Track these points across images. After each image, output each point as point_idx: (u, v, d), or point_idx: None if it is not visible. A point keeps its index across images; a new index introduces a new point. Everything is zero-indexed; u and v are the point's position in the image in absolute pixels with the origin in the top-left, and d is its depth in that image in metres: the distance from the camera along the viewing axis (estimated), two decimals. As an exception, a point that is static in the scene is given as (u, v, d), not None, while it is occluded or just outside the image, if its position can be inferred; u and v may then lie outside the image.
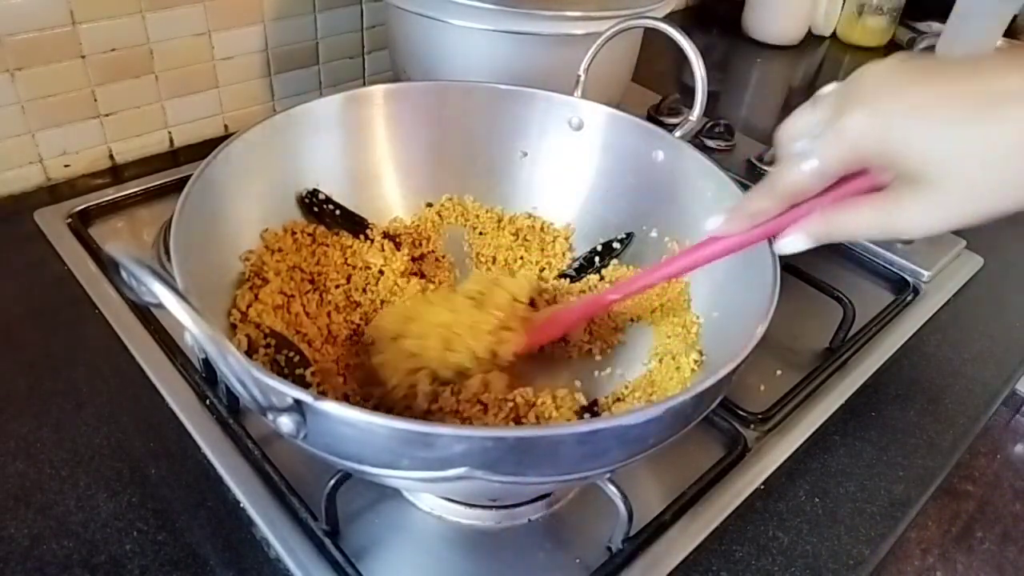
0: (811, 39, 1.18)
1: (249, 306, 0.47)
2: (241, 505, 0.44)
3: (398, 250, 0.55)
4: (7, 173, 0.66)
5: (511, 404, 0.45)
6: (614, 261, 0.57)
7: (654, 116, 0.86)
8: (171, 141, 0.75)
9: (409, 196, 0.59)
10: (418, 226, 0.59)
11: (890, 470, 0.51)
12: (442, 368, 0.45)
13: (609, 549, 0.44)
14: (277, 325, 0.46)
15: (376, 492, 0.46)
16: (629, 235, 0.57)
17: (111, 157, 0.72)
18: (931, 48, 1.15)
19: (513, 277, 0.53)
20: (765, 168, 0.79)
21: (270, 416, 0.32)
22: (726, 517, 0.47)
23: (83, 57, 0.65)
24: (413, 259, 0.56)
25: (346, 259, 0.54)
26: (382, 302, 0.53)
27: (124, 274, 0.29)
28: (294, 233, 0.52)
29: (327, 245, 0.53)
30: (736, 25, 1.17)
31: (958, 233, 0.74)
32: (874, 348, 0.61)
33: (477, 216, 0.60)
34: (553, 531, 0.46)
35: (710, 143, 0.82)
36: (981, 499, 1.59)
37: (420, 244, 0.58)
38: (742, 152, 0.82)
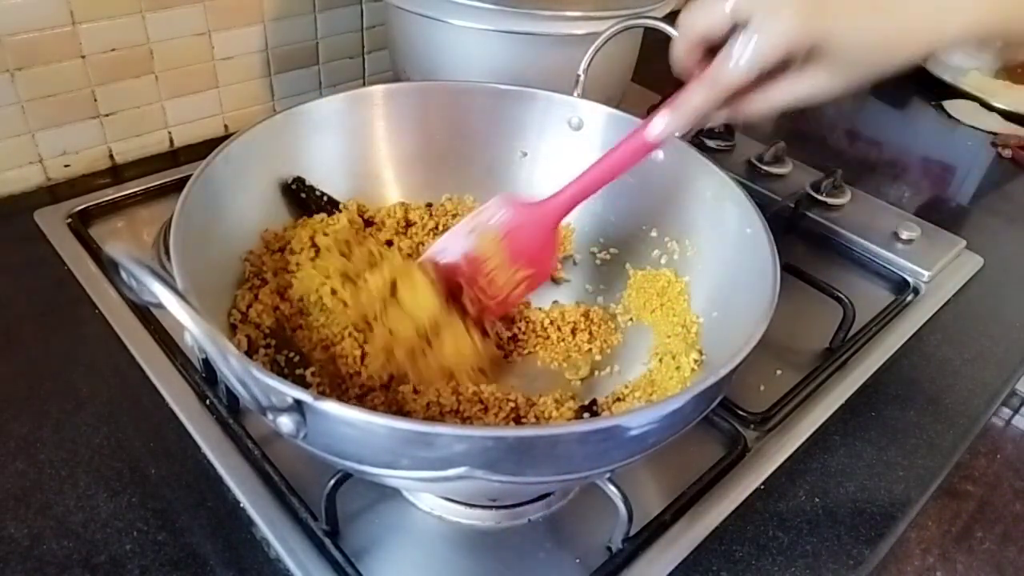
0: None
1: (249, 306, 0.47)
2: (241, 505, 0.44)
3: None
4: (7, 173, 0.66)
5: (512, 404, 0.45)
6: None
7: (654, 116, 0.86)
8: (171, 141, 0.75)
9: (409, 196, 0.59)
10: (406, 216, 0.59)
11: (890, 470, 0.51)
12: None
13: (609, 549, 0.44)
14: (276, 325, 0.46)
15: (376, 492, 0.46)
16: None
17: (111, 157, 0.72)
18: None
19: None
20: (765, 168, 0.79)
21: (270, 416, 0.32)
22: (726, 517, 0.47)
23: (83, 57, 0.65)
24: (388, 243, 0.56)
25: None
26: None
27: (124, 274, 0.29)
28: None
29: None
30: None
31: (958, 233, 0.74)
32: (874, 348, 0.61)
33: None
34: (553, 531, 0.46)
35: (710, 143, 0.82)
36: (981, 499, 1.59)
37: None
38: (742, 152, 0.82)
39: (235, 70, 0.75)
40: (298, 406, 0.31)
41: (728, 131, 0.83)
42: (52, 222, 0.64)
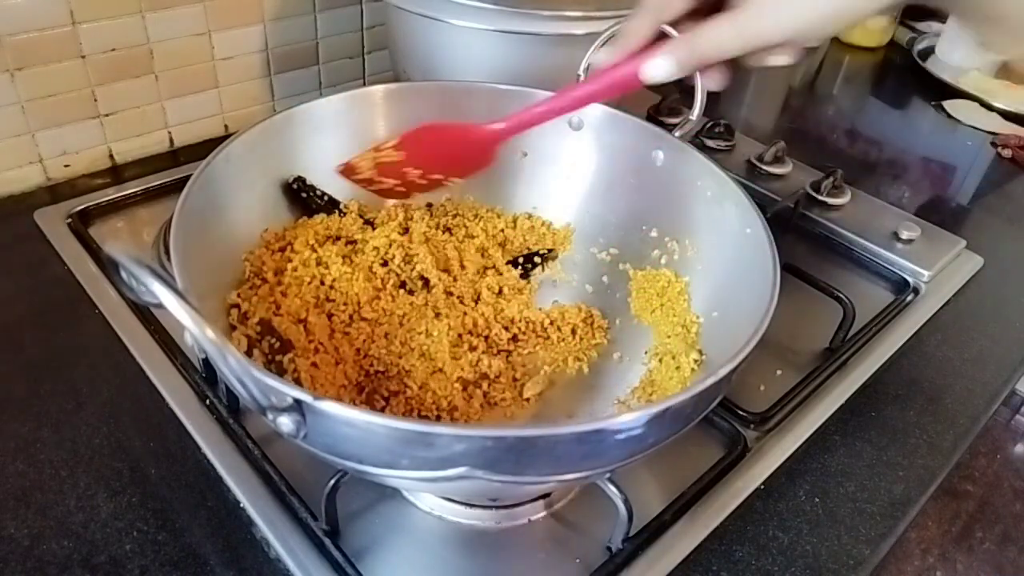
0: (811, 39, 1.18)
1: (249, 306, 0.47)
2: (241, 505, 0.44)
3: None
4: (7, 173, 0.66)
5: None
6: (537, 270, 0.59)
7: (654, 116, 0.86)
8: (171, 141, 0.75)
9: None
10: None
11: (890, 470, 0.51)
12: None
13: (609, 549, 0.44)
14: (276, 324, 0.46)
15: (376, 492, 0.46)
16: (550, 250, 0.59)
17: (111, 157, 0.72)
18: (931, 48, 1.16)
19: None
20: (765, 168, 0.79)
21: (270, 416, 0.32)
22: (726, 517, 0.47)
23: (83, 57, 0.65)
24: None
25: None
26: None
27: (124, 274, 0.29)
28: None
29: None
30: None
31: (958, 233, 0.74)
32: (874, 348, 0.61)
33: (476, 215, 0.60)
34: (553, 531, 0.46)
35: (710, 143, 0.82)
36: (981, 499, 1.59)
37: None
38: (742, 152, 0.82)
39: (235, 70, 0.75)
40: (298, 406, 0.31)
41: (728, 131, 0.83)
42: (52, 222, 0.64)
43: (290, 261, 0.51)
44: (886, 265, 0.70)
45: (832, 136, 0.96)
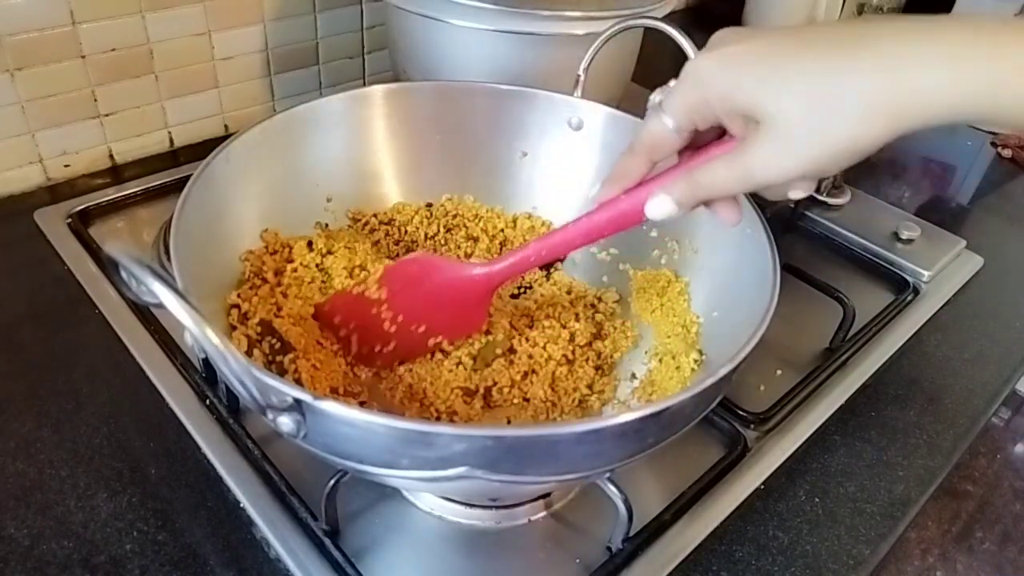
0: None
1: (249, 306, 0.46)
2: (241, 505, 0.44)
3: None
4: (7, 173, 0.66)
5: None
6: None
7: (654, 116, 0.85)
8: (171, 141, 0.75)
9: (409, 196, 0.59)
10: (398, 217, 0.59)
11: (890, 470, 0.51)
12: None
13: (609, 549, 0.44)
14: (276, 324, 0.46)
15: (376, 492, 0.46)
16: None
17: (111, 157, 0.72)
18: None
19: None
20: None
21: (270, 416, 0.32)
22: (726, 517, 0.47)
23: (83, 57, 0.65)
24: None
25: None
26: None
27: (124, 274, 0.29)
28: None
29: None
30: (736, 25, 1.16)
31: (958, 233, 0.74)
32: (874, 348, 0.61)
33: (476, 215, 0.60)
34: (553, 531, 0.46)
35: (710, 143, 0.82)
36: (981, 499, 1.59)
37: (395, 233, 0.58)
38: (742, 152, 0.82)
39: (235, 70, 0.75)
40: (298, 405, 0.31)
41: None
42: (52, 222, 0.64)
43: (290, 262, 0.51)
44: (886, 265, 0.70)
45: (832, 136, 0.96)
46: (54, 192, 0.69)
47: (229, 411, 0.49)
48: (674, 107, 0.34)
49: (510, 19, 0.63)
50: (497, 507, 0.45)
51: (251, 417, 0.48)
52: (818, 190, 0.75)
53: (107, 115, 0.70)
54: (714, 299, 0.49)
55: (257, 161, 0.50)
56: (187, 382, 0.51)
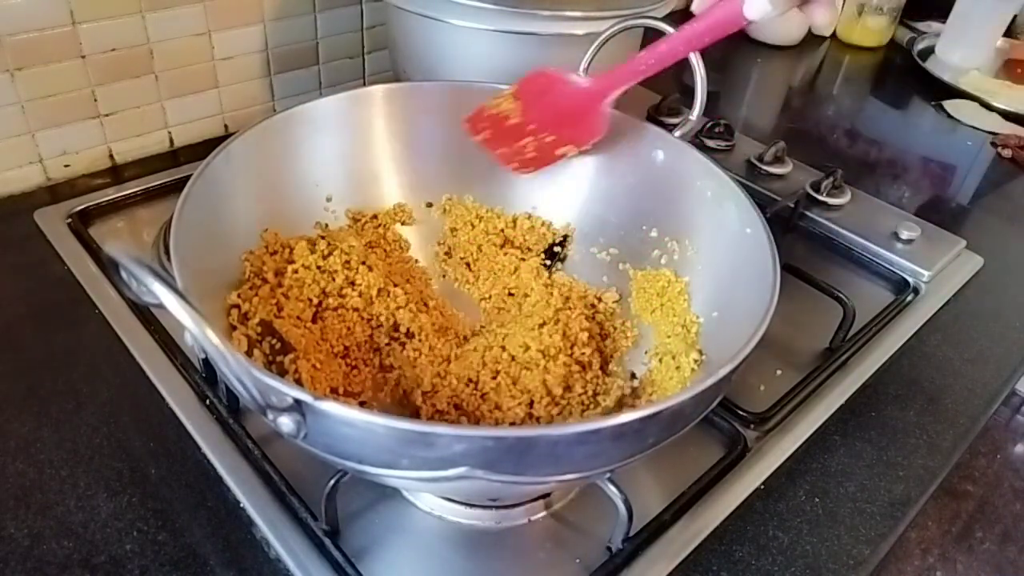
0: (811, 39, 1.18)
1: (249, 306, 0.46)
2: (241, 505, 0.44)
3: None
4: (7, 173, 0.66)
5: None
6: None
7: (654, 116, 0.86)
8: (171, 141, 0.75)
9: (409, 196, 0.59)
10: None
11: (890, 470, 0.51)
12: None
13: (609, 549, 0.44)
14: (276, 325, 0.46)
15: (376, 492, 0.46)
16: (565, 236, 0.59)
17: (111, 157, 0.72)
18: (931, 48, 1.16)
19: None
20: (765, 168, 0.79)
21: (270, 416, 0.32)
22: (726, 517, 0.47)
23: (83, 57, 0.65)
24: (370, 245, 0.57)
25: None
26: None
27: (124, 274, 0.29)
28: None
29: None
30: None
31: (958, 233, 0.74)
32: (874, 348, 0.61)
33: (477, 216, 0.60)
34: (553, 531, 0.46)
35: (710, 143, 0.82)
36: (981, 499, 1.59)
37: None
38: (742, 152, 0.82)
39: (235, 70, 0.75)
40: (298, 406, 0.31)
41: (728, 131, 0.83)
42: (52, 222, 0.64)
43: (291, 263, 0.51)
44: (886, 265, 0.70)
45: (832, 136, 0.96)
46: (54, 192, 0.69)
47: (229, 411, 0.49)
48: None
49: (510, 19, 0.63)
50: (497, 507, 0.45)
51: (251, 417, 0.48)
52: (818, 190, 0.75)
53: (107, 115, 0.70)
54: (714, 299, 0.49)
55: (257, 161, 0.50)
56: (187, 382, 0.51)
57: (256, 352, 0.44)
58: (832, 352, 0.59)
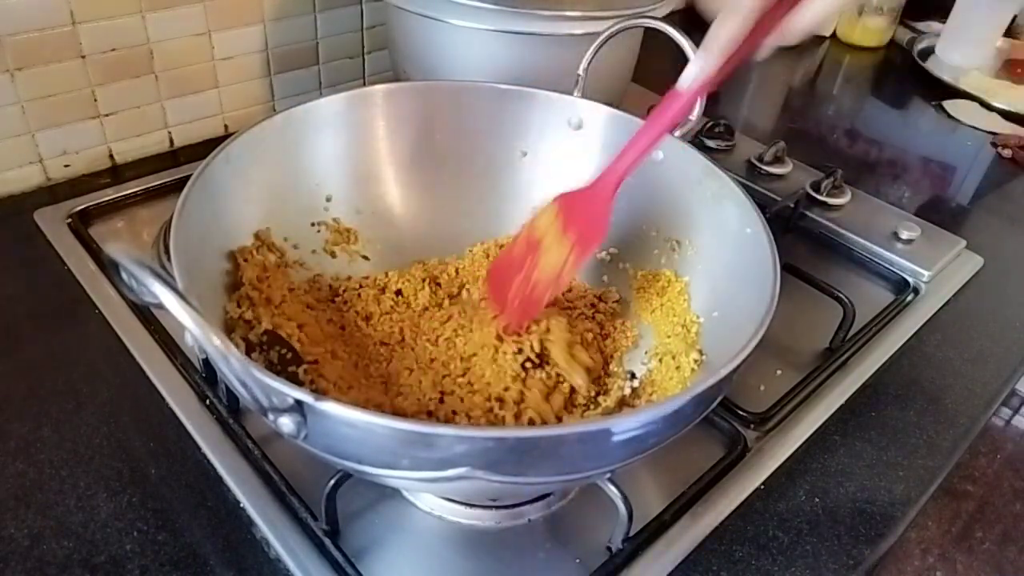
0: (811, 39, 1.18)
1: (248, 306, 0.46)
2: (241, 505, 0.44)
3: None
4: (7, 173, 0.66)
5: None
6: None
7: (654, 116, 0.86)
8: (171, 141, 0.75)
9: (409, 196, 0.59)
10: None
11: (890, 470, 0.51)
12: None
13: (609, 549, 0.44)
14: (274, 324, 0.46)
15: (376, 492, 0.46)
16: None
17: (111, 157, 0.72)
18: (931, 48, 1.16)
19: None
20: (765, 168, 0.79)
21: (270, 416, 0.32)
22: (726, 517, 0.47)
23: (83, 57, 0.65)
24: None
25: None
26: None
27: (124, 274, 0.29)
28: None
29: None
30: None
31: (958, 233, 0.74)
32: (874, 348, 0.61)
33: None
34: (553, 531, 0.46)
35: (710, 143, 0.82)
36: (981, 499, 1.59)
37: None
38: (742, 152, 0.82)
39: (235, 70, 0.75)
40: (299, 406, 0.31)
41: (728, 131, 0.83)
42: (52, 222, 0.64)
43: (291, 263, 0.51)
44: (886, 265, 0.70)
45: (832, 136, 0.96)
46: (54, 192, 0.69)
47: (229, 411, 0.49)
48: None
49: (510, 19, 0.63)
50: (497, 507, 0.45)
51: (251, 417, 0.48)
52: (818, 190, 0.75)
53: (107, 115, 0.70)
54: (714, 299, 0.49)
55: (257, 161, 0.50)
56: (187, 382, 0.51)
57: (256, 352, 0.44)
58: (832, 352, 0.59)
